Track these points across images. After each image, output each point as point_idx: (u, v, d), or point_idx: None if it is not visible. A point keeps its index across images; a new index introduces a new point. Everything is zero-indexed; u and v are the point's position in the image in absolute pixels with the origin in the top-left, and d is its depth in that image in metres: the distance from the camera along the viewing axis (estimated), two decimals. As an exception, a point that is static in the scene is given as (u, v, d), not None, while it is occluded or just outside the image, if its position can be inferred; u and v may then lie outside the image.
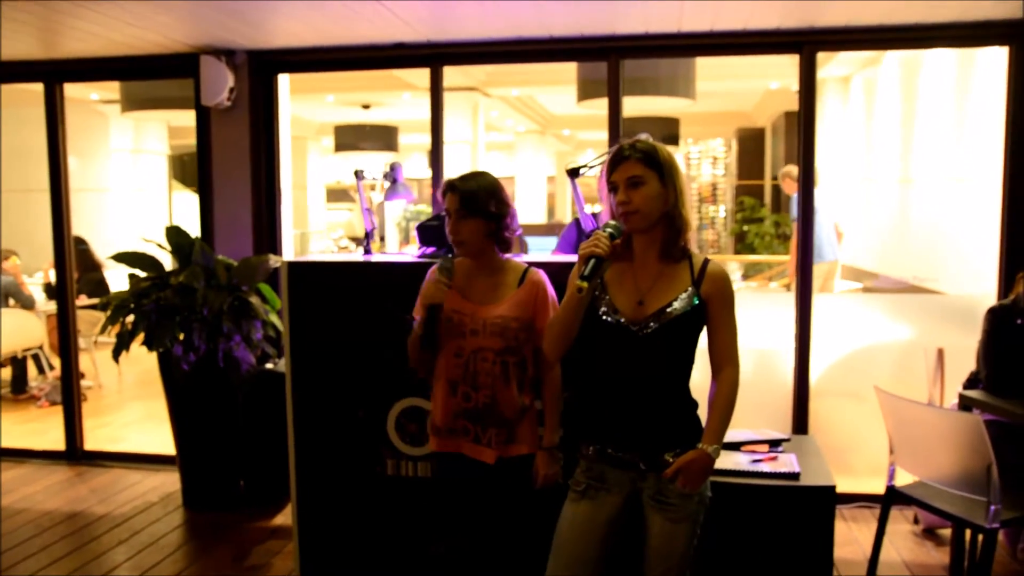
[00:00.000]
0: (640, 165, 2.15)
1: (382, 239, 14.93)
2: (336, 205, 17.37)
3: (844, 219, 7.99)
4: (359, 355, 3.33)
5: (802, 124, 4.44)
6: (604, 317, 2.19)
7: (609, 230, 2.14)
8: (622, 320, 2.17)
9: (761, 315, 4.68)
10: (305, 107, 12.63)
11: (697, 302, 2.15)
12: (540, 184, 15.75)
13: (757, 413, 4.52)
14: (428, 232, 3.37)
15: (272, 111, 5.08)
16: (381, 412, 3.34)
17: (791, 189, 6.99)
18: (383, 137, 12.67)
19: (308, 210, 15.03)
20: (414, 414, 3.30)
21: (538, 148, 15.63)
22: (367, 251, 3.63)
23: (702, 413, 2.23)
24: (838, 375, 4.67)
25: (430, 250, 3.35)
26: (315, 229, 14.83)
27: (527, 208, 15.04)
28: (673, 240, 2.19)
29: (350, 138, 12.63)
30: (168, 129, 11.20)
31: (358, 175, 3.65)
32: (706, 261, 2.20)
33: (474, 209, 2.44)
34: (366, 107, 12.33)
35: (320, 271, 3.40)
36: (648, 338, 2.14)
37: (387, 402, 3.32)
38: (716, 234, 14.00)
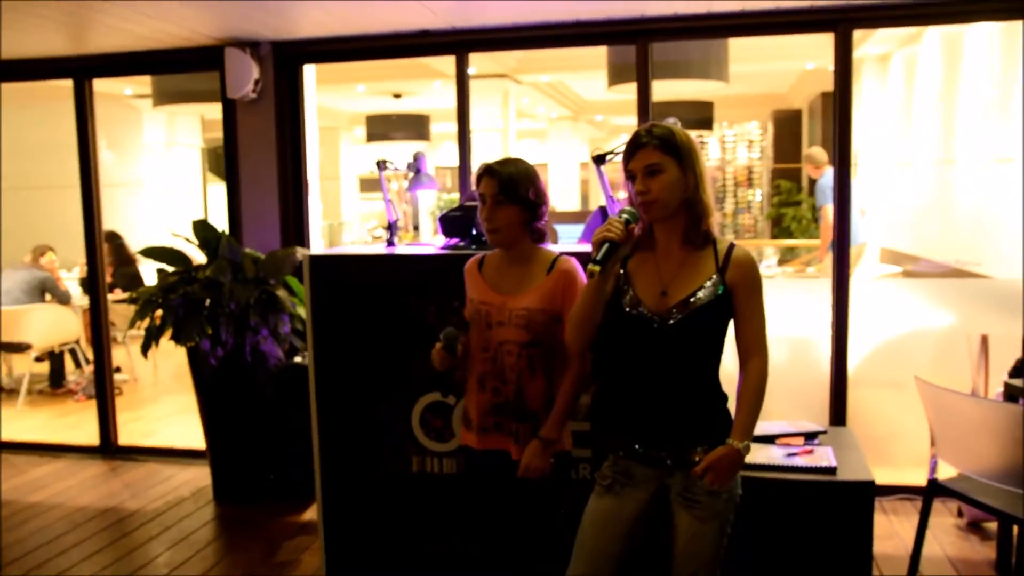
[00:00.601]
0: (657, 152, 2.12)
1: (416, 228, 15.05)
2: (370, 195, 17.45)
3: (879, 201, 7.86)
4: (382, 349, 3.31)
5: (837, 104, 4.37)
6: (628, 310, 2.17)
7: (624, 215, 2.12)
8: (646, 312, 2.15)
9: (797, 301, 4.63)
10: (336, 97, 12.62)
11: (722, 290, 2.12)
12: (573, 171, 15.78)
13: (792, 404, 4.47)
14: (452, 223, 3.32)
15: (298, 102, 5.08)
16: (405, 407, 3.32)
17: (815, 172, 6.97)
18: (414, 126, 12.72)
19: (341, 201, 15.14)
20: (439, 409, 3.28)
21: (571, 134, 15.63)
22: (390, 243, 3.63)
23: (732, 406, 2.19)
24: (877, 364, 4.59)
25: (454, 241, 3.32)
26: (348, 219, 14.93)
27: (560, 195, 15.01)
28: (694, 226, 2.15)
29: (381, 128, 12.72)
30: (202, 122, 11.29)
31: (380, 165, 3.63)
32: (731, 247, 2.16)
33: (512, 195, 2.41)
34: (397, 96, 12.36)
35: (342, 264, 3.39)
36: (673, 329, 2.12)
37: (411, 397, 3.30)
38: (753, 218, 13.90)
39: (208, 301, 4.33)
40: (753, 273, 2.15)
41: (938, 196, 6.61)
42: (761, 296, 2.15)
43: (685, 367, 2.13)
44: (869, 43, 7.75)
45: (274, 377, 4.45)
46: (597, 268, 2.04)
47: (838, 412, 4.43)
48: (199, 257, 4.68)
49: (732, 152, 14.06)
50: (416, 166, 3.76)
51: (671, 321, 2.13)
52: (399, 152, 15.88)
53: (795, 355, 4.60)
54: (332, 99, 12.91)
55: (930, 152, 6.83)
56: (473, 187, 2.50)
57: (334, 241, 13.88)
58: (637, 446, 2.20)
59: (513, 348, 2.45)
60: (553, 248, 2.57)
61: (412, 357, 3.26)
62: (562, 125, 15.48)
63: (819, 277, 6.81)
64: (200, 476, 4.97)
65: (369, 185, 16.99)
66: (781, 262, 8.86)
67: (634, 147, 2.14)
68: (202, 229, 4.53)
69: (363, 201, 16.74)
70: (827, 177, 6.76)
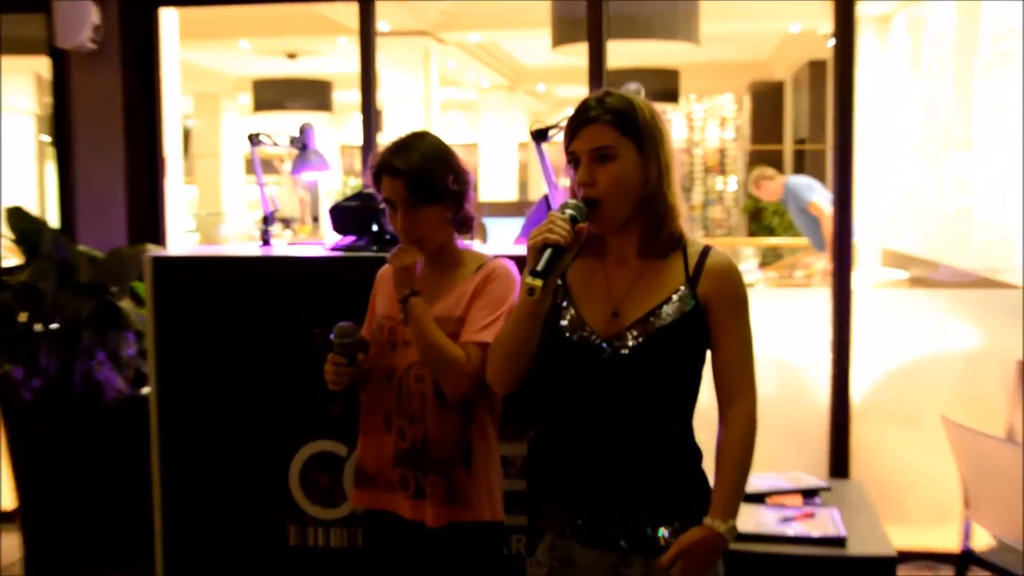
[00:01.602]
0: (610, 130, 2.05)
1: (316, 221, 14.80)
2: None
3: (874, 192, 7.95)
4: (251, 382, 3.29)
5: (838, 70, 4.31)
6: (568, 335, 2.11)
7: (569, 211, 2.04)
8: (592, 337, 2.10)
9: (784, 315, 4.61)
10: (216, 56, 12.62)
11: (693, 305, 2.08)
12: (510, 153, 16.00)
13: (783, 447, 4.40)
14: (346, 216, 3.28)
15: (153, 56, 4.94)
16: (282, 460, 3.26)
17: (770, 196, 7.23)
18: (314, 94, 12.86)
19: (221, 185, 14.97)
20: (326, 462, 3.23)
21: (507, 107, 15.71)
22: (266, 241, 3.63)
23: (709, 466, 2.15)
24: (886, 395, 4.54)
25: (349, 240, 3.29)
26: (231, 208, 14.91)
27: (494, 182, 14.94)
28: (654, 232, 2.10)
29: (273, 95, 12.81)
30: (36, 81, 11.11)
31: (253, 140, 3.64)
32: (706, 250, 2.13)
33: (427, 193, 2.38)
34: (292, 56, 12.37)
35: (198, 268, 3.37)
36: (628, 360, 2.06)
37: (289, 446, 3.25)
38: (725, 212, 14.09)
39: (24, 315, 4.13)
40: (734, 284, 2.12)
41: (956, 187, 6.70)
42: (747, 315, 2.12)
43: (645, 412, 2.08)
44: (865, 2, 7.82)
45: (112, 414, 4.23)
46: (538, 283, 1.96)
47: (840, 456, 4.38)
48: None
49: (701, 132, 14.18)
50: (302, 141, 3.76)
51: (625, 350, 2.07)
52: (295, 125, 15.68)
53: (784, 384, 4.56)
54: (210, 58, 12.84)
55: (943, 134, 6.91)
56: (370, 183, 2.47)
57: (210, 237, 13.61)
58: (580, 521, 2.12)
59: (423, 374, 2.43)
60: (483, 250, 2.58)
61: (291, 392, 3.22)
62: (496, 96, 15.52)
63: (809, 284, 6.79)
64: (7, 548, 4.67)
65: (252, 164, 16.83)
66: (762, 265, 8.85)
67: (579, 121, 2.07)
68: (17, 218, 4.30)
69: (251, 185, 16.40)
70: (792, 180, 7.07)
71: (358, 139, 4.80)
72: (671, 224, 2.09)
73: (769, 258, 9.68)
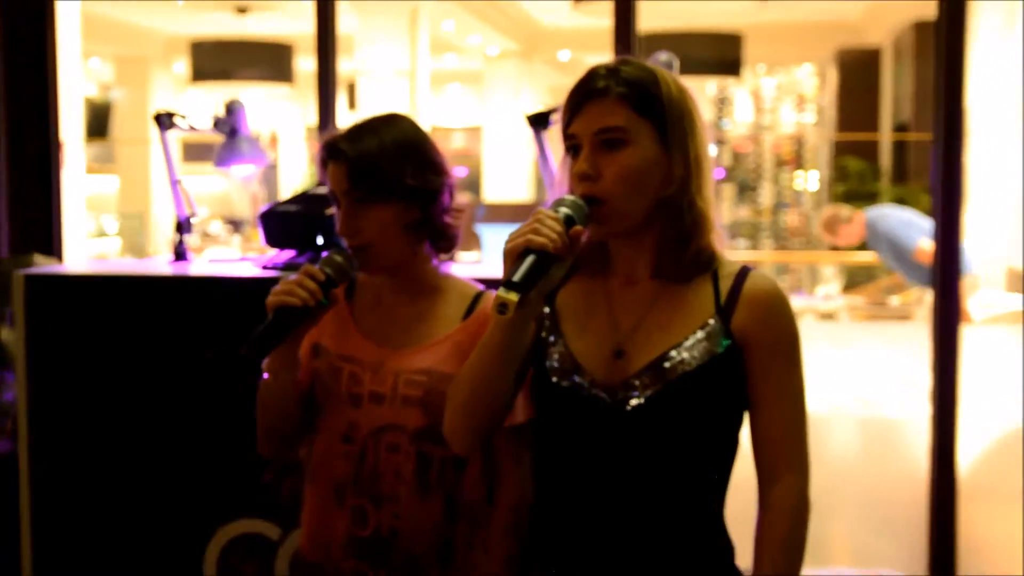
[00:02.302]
0: (623, 108, 2.01)
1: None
2: (201, 167, 17.34)
3: (993, 195, 7.89)
4: (155, 438, 3.29)
5: (944, 40, 4.33)
6: (556, 380, 2.09)
7: (564, 209, 2.00)
8: (588, 385, 2.07)
9: (873, 356, 4.79)
10: (142, 9, 12.74)
11: (726, 345, 2.05)
12: (523, 139, 15.68)
13: (863, 530, 4.39)
14: (282, 224, 3.31)
15: (44, 6, 4.94)
16: (194, 543, 3.26)
17: (850, 240, 7.23)
18: (269, 60, 12.82)
19: (151, 178, 15.04)
20: (253, 546, 3.24)
21: (519, 81, 15.81)
22: (180, 255, 3.67)
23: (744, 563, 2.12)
24: (1004, 465, 4.59)
25: (287, 256, 3.33)
26: (162, 209, 14.94)
27: (501, 178, 14.93)
28: (677, 246, 2.07)
29: (216, 60, 12.74)
30: None
31: (162, 122, 3.68)
32: (743, 272, 2.10)
33: (379, 187, 2.35)
34: (242, 12, 12.52)
35: (86, 290, 3.40)
36: (635, 418, 2.04)
37: (205, 525, 3.25)
38: (802, 218, 14.03)
39: None
40: (781, 317, 2.09)
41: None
42: (798, 360, 2.09)
43: (658, 491, 2.05)
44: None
45: None
46: (513, 297, 1.90)
47: (943, 544, 4.35)
48: None
49: (772, 114, 14.20)
50: (230, 124, 3.80)
51: (631, 403, 2.03)
52: (249, 99, 15.73)
53: (869, 449, 4.58)
54: (135, 12, 12.95)
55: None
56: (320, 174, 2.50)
57: (136, 244, 13.62)
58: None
59: (401, 440, 2.39)
60: (465, 275, 2.58)
61: (208, 454, 3.23)
62: (506, 66, 15.61)
63: (908, 316, 6.73)
64: None
65: (198, 151, 16.85)
66: (847, 288, 8.79)
67: (583, 95, 2.04)
68: None
69: (189, 176, 16.51)
70: (881, 217, 7.01)
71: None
72: (700, 238, 2.06)
73: (858, 278, 9.67)
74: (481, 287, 2.51)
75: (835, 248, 11.54)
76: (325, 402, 2.45)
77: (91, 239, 13.08)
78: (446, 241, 2.45)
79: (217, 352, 3.03)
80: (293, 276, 2.42)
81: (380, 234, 2.37)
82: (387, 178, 2.34)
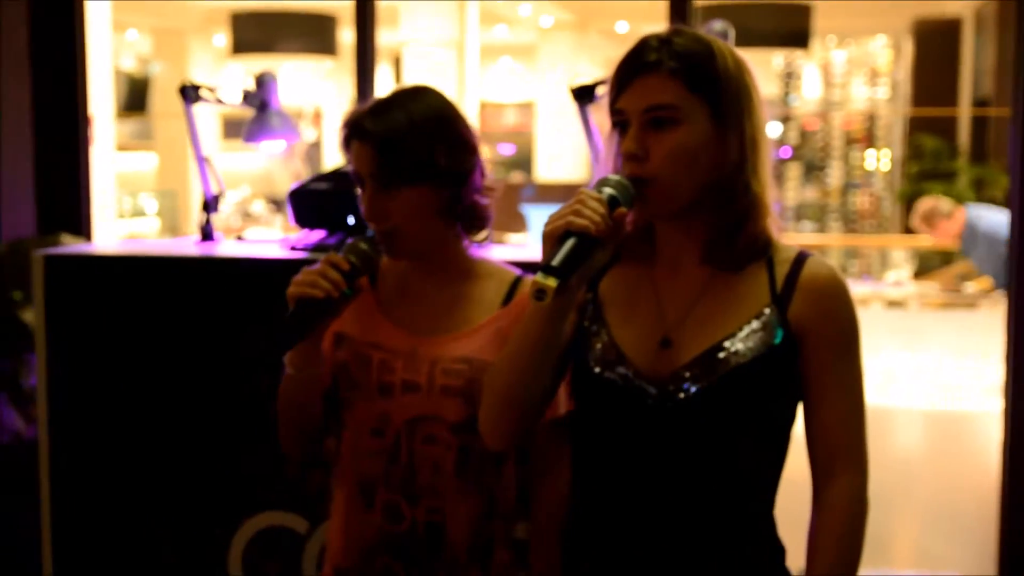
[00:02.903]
0: (675, 84, 1.99)
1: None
2: (241, 143, 17.58)
3: None
4: (179, 428, 3.29)
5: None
6: (598, 370, 2.08)
7: (609, 189, 1.99)
8: (633, 377, 2.06)
9: (943, 345, 4.84)
10: None
11: (782, 336, 2.04)
12: (577, 115, 15.81)
13: (929, 529, 4.38)
14: (311, 203, 3.31)
15: None
16: (219, 537, 3.27)
17: (947, 237, 7.18)
18: (312, 32, 12.79)
19: (189, 154, 15.00)
20: (279, 541, 3.25)
21: (575, 54, 15.77)
22: (207, 235, 3.66)
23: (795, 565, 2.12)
24: None
25: (317, 237, 3.33)
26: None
27: (554, 156, 14.92)
28: (731, 230, 2.05)
29: (256, 33, 12.74)
30: None
31: (189, 95, 3.70)
32: (800, 257, 2.08)
33: (405, 168, 2.33)
34: None
35: (108, 271, 3.40)
36: (684, 411, 2.03)
37: (230, 517, 3.26)
38: (874, 199, 13.99)
39: None
40: (841, 307, 2.08)
41: None
42: (857, 352, 2.08)
43: (706, 488, 2.05)
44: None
45: (7, 462, 4.30)
46: (552, 283, 1.88)
47: (1013, 545, 4.36)
48: None
49: (843, 89, 14.10)
50: (259, 98, 3.81)
51: (680, 396, 2.03)
52: (291, 73, 15.81)
53: (937, 445, 4.56)
54: None
55: None
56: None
57: (175, 224, 13.70)
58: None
59: (440, 432, 2.38)
60: (501, 257, 2.59)
61: (233, 443, 3.24)
62: (560, 38, 15.61)
63: (982, 303, 6.68)
64: None
65: (237, 127, 17.06)
66: (919, 274, 8.71)
67: (632, 69, 2.02)
68: None
69: (227, 153, 16.67)
70: (982, 216, 7.03)
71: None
72: (755, 224, 2.05)
73: (932, 263, 9.58)
74: (519, 271, 2.50)
75: (907, 232, 11.52)
76: (351, 394, 2.44)
77: (129, 219, 13.24)
78: (478, 223, 2.45)
79: (251, 348, 2.95)
80: (317, 264, 2.41)
81: (409, 218, 2.37)
82: (417, 159, 2.34)
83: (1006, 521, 4.37)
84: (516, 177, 15.47)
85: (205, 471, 3.27)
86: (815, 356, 2.06)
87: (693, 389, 2.03)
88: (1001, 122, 12.01)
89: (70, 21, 5.00)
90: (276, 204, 14.84)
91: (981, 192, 11.33)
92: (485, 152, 2.47)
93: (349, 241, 2.34)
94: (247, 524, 3.23)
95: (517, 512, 2.48)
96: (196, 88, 3.65)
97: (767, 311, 2.05)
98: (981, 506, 4.30)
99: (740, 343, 2.04)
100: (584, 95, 3.28)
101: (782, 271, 2.07)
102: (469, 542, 2.41)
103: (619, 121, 2.04)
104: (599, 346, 2.10)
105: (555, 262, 1.91)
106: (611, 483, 2.12)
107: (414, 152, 2.33)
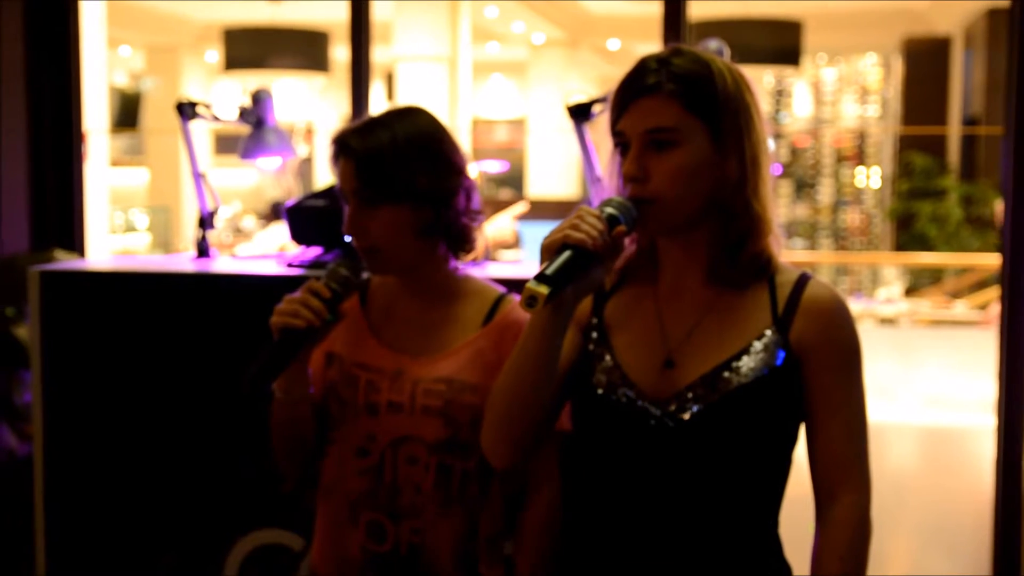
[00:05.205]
0: (674, 105, 2.00)
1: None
2: (233, 160, 17.50)
3: None
4: (172, 444, 3.31)
5: (1018, 27, 4.30)
6: (602, 392, 2.09)
7: (610, 209, 2.00)
8: (636, 398, 2.07)
9: (935, 363, 4.60)
10: None
11: (784, 357, 2.05)
12: (569, 132, 15.79)
13: (922, 544, 4.36)
14: (307, 219, 3.34)
15: None
16: (212, 555, 3.27)
17: None
18: (304, 48, 12.73)
19: (182, 171, 15.15)
20: (273, 558, 3.25)
21: (566, 70, 15.85)
22: (202, 251, 3.68)
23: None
24: None
25: (313, 253, 3.36)
26: (194, 202, 15.10)
27: (546, 172, 14.95)
28: (732, 250, 2.06)
29: (249, 48, 12.67)
30: None
31: (184, 111, 3.70)
32: (802, 279, 2.10)
33: (385, 187, 2.35)
34: None
35: (103, 287, 3.41)
36: (687, 432, 2.04)
37: (225, 536, 3.27)
38: (864, 217, 14.06)
39: None
40: (842, 328, 2.09)
41: None
42: (859, 373, 2.09)
43: (710, 509, 2.06)
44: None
45: (1, 480, 4.30)
46: (543, 290, 1.89)
47: (1007, 561, 4.35)
48: None
49: (833, 106, 14.13)
50: (255, 114, 3.83)
51: (685, 416, 2.04)
52: (284, 89, 15.79)
53: (932, 460, 4.57)
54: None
55: None
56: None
57: (166, 240, 13.66)
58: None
59: (420, 452, 2.40)
60: (486, 276, 2.58)
61: (227, 460, 3.25)
62: (552, 55, 15.67)
63: (977, 322, 6.71)
64: None
65: (231, 143, 16.97)
66: (911, 291, 8.72)
67: (632, 91, 2.03)
68: None
69: (220, 168, 16.67)
70: None
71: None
72: (756, 243, 2.06)
73: (921, 280, 9.57)
74: (503, 290, 2.50)
75: (909, 207, 11.45)
76: (339, 413, 2.45)
77: (120, 234, 13.21)
78: (464, 244, 2.45)
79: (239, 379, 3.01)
80: (298, 293, 2.40)
81: (389, 236, 2.38)
82: (397, 178, 2.34)
83: (999, 536, 4.36)
84: (505, 194, 15.50)
85: (200, 489, 3.26)
86: (816, 378, 2.06)
87: (695, 409, 2.04)
88: (991, 140, 12.07)
89: (66, 37, 5.00)
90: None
91: (970, 210, 11.38)
92: (474, 174, 2.48)
93: (329, 266, 2.35)
94: (242, 542, 3.23)
95: (504, 531, 2.48)
96: (192, 105, 3.67)
97: (769, 332, 2.06)
98: (975, 521, 4.35)
99: (743, 363, 2.04)
100: (580, 113, 3.28)
101: (784, 293, 2.08)
102: (452, 563, 2.42)
103: (620, 143, 2.05)
104: (603, 368, 2.11)
105: (548, 271, 1.91)
106: (614, 504, 2.11)
107: (395, 171, 2.34)
